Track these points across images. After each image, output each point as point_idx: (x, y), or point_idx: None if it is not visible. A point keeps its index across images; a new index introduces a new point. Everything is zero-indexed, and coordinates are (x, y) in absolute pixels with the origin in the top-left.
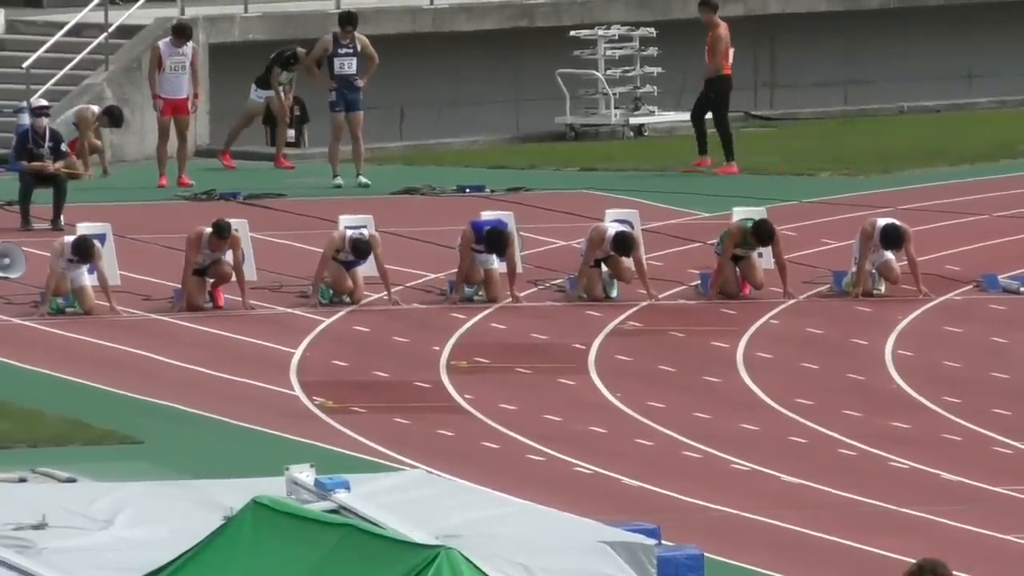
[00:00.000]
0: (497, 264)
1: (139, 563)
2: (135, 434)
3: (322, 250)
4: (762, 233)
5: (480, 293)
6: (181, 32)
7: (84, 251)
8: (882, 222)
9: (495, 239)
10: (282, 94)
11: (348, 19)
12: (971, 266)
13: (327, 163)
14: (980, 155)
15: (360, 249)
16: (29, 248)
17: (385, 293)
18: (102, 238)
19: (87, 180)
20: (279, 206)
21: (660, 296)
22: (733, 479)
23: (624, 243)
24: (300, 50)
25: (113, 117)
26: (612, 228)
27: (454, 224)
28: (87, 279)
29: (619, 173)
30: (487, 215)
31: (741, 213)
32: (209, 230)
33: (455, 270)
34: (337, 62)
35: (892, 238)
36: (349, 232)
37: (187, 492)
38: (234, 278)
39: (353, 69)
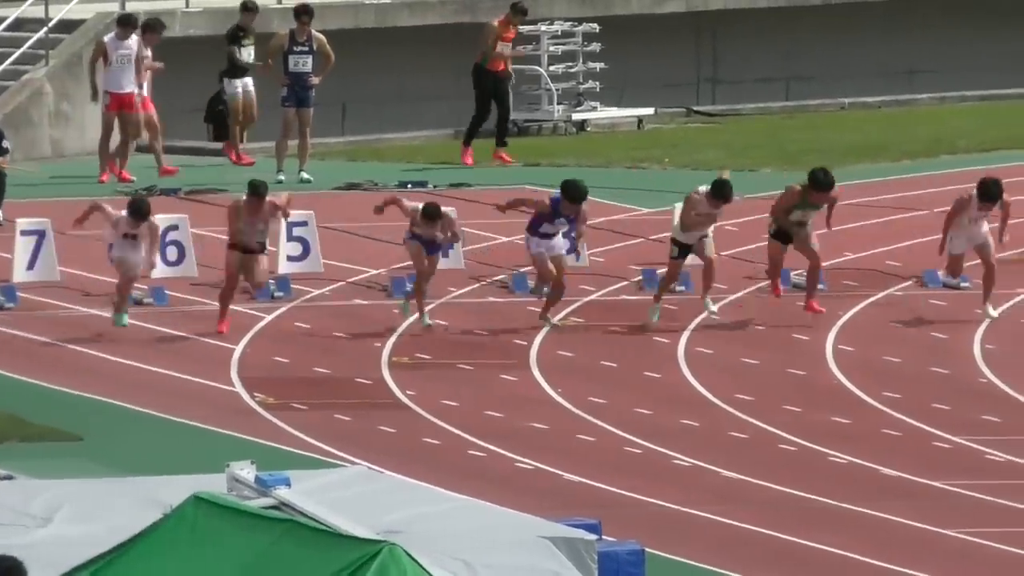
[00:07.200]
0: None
1: (78, 560)
2: (74, 431)
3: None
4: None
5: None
6: (126, 22)
7: None
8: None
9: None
10: (248, 86)
11: (304, 10)
12: (912, 261)
13: (268, 158)
14: (921, 151)
15: (257, 189)
16: None
17: (328, 289)
18: (42, 234)
19: (27, 175)
20: (220, 201)
21: (601, 292)
22: (674, 474)
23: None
24: (241, 18)
25: None
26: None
27: (396, 220)
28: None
29: (561, 168)
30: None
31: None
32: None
33: (396, 265)
34: (292, 59)
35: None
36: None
37: (127, 489)
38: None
39: (308, 67)
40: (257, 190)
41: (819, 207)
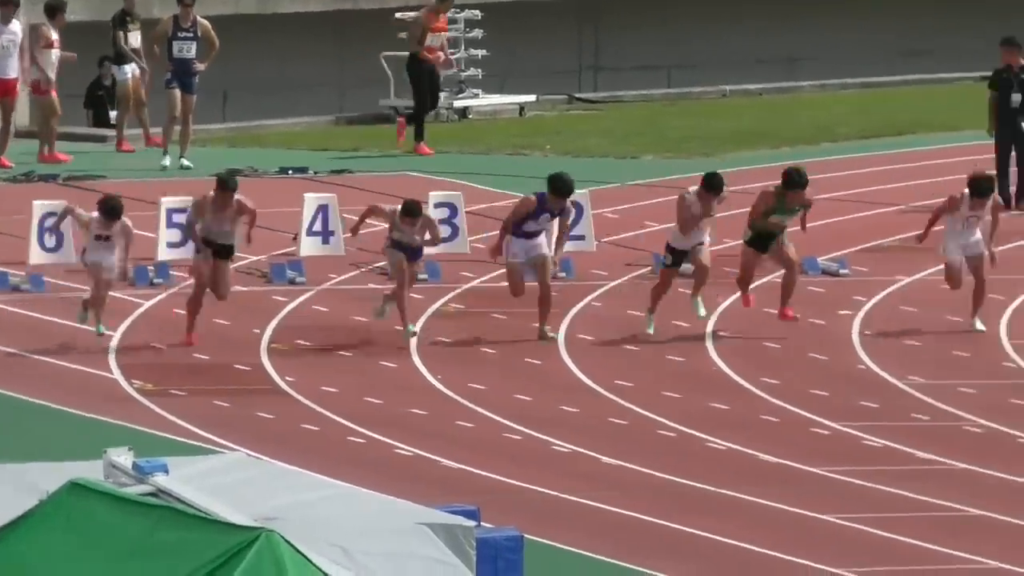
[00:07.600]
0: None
1: None
2: None
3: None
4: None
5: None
6: (6, 4)
7: None
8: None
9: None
10: (142, 68)
11: None
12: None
13: (147, 145)
14: (801, 138)
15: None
16: None
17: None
18: None
19: None
20: (99, 187)
21: (481, 279)
22: (553, 461)
23: None
24: (126, 2)
25: None
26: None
27: (277, 206)
28: None
29: (443, 155)
30: (311, 195)
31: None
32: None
33: (276, 252)
34: (176, 45)
35: None
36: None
37: (3, 476)
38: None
39: (192, 53)
40: (226, 184)
41: (796, 211)
